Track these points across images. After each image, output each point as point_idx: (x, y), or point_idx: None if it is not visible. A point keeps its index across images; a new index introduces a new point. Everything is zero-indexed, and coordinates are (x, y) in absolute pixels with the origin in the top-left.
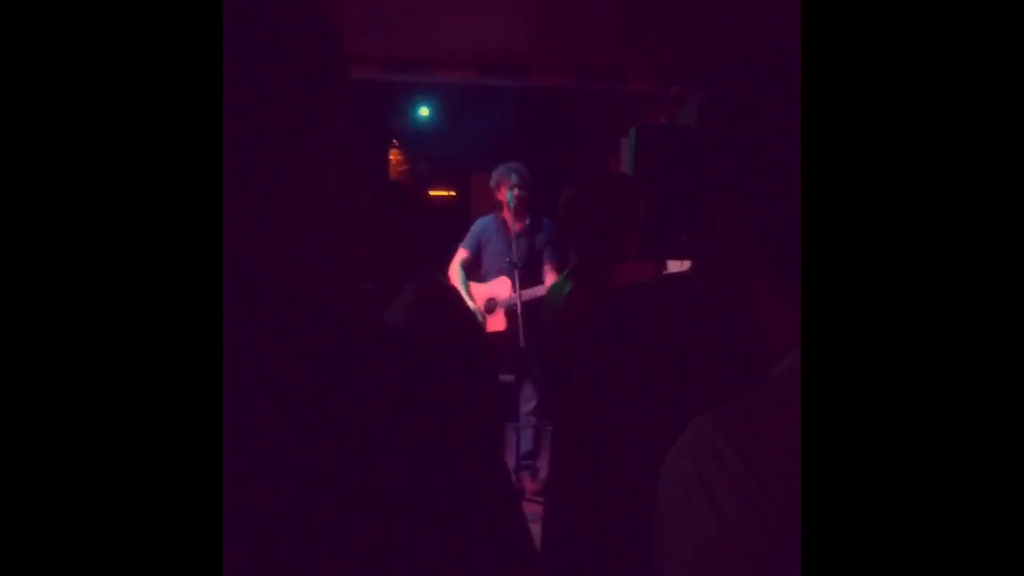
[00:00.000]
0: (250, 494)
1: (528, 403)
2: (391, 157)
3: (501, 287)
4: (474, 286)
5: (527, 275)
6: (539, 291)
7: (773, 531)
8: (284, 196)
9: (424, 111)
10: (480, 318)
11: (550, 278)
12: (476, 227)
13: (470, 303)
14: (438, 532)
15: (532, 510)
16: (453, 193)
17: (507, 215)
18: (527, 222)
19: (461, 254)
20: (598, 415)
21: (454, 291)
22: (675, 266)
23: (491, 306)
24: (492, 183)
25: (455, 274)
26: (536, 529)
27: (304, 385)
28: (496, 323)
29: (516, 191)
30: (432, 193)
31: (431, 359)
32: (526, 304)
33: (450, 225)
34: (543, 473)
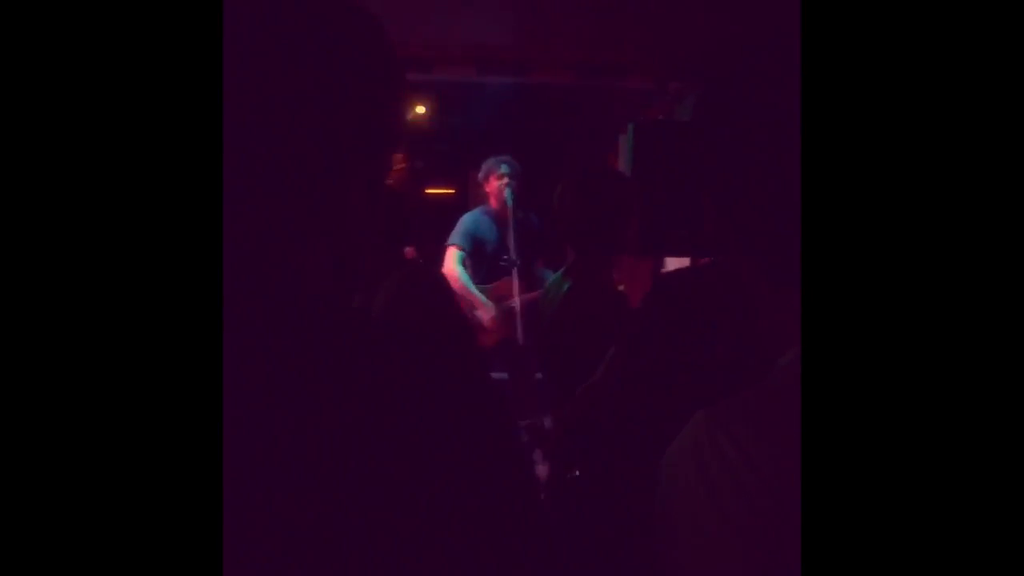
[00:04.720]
0: (250, 488)
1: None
2: None
3: (507, 287)
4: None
5: (525, 270)
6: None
7: (770, 526)
8: (298, 194)
9: (421, 108)
10: (499, 314)
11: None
12: (467, 224)
13: (487, 304)
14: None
15: None
16: (451, 191)
17: (498, 207)
18: (519, 215)
19: (457, 252)
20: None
21: (441, 277)
22: (673, 263)
23: (506, 307)
24: (481, 175)
25: (456, 274)
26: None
27: (303, 377)
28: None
29: (508, 180)
30: (430, 191)
31: (419, 345)
32: (528, 304)
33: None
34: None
